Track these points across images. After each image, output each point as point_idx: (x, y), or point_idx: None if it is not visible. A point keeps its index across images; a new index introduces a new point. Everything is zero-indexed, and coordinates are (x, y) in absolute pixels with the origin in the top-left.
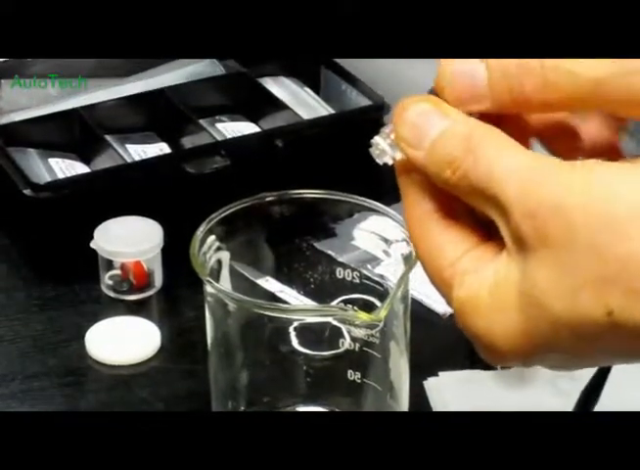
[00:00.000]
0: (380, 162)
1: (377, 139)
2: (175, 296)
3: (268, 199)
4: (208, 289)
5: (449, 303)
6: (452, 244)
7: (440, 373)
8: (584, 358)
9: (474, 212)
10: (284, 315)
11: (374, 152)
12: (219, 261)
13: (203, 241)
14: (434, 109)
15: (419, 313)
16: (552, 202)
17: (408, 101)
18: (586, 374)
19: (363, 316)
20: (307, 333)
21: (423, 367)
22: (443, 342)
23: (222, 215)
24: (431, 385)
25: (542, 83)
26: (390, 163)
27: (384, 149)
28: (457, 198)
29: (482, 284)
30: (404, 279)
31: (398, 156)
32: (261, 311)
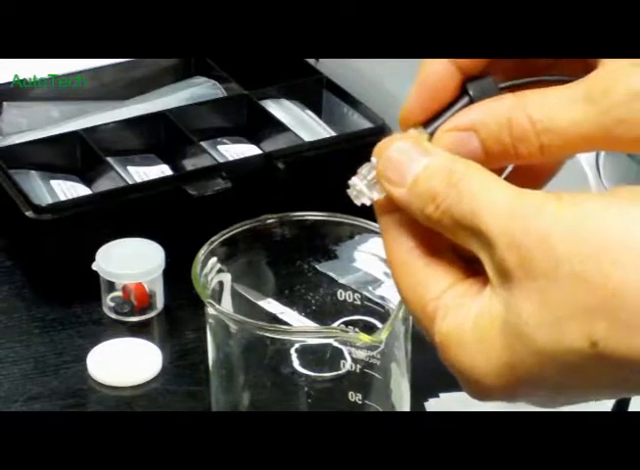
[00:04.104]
0: (357, 203)
1: (354, 180)
2: (177, 317)
3: (269, 221)
4: (210, 311)
5: (432, 337)
6: (435, 279)
7: (441, 394)
8: (570, 393)
9: (455, 250)
10: (285, 337)
11: (351, 193)
12: (221, 283)
13: (204, 263)
14: (414, 146)
15: (420, 335)
16: (538, 233)
17: (388, 139)
18: None
19: (364, 338)
20: (308, 354)
21: (424, 388)
22: (444, 363)
23: (223, 238)
24: (431, 406)
25: (538, 149)
26: (368, 203)
27: (361, 190)
28: (438, 235)
29: (466, 317)
30: None
31: (376, 196)
32: (263, 333)
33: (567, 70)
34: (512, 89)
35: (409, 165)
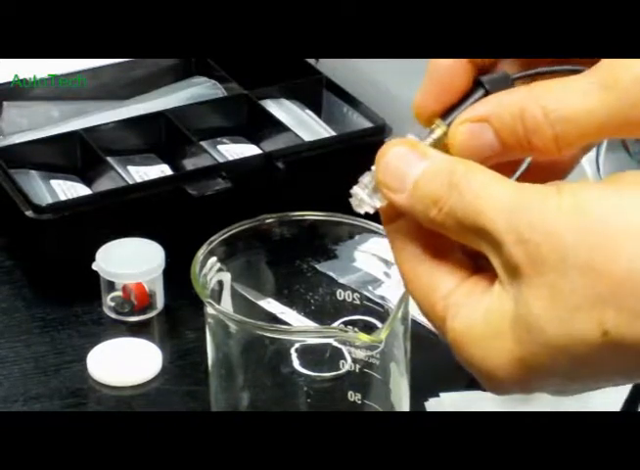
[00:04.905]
0: (361, 211)
1: (355, 189)
2: (177, 317)
3: (268, 221)
4: (209, 310)
5: (444, 335)
6: (442, 280)
7: (442, 394)
8: (583, 381)
9: (461, 248)
10: (285, 336)
11: (354, 202)
12: (220, 283)
13: (203, 263)
14: (411, 151)
15: (420, 335)
16: (543, 226)
17: (385, 146)
18: (592, 394)
19: (363, 337)
20: (308, 354)
21: (424, 388)
22: (444, 363)
23: (222, 237)
24: (432, 406)
25: (552, 139)
26: (372, 211)
27: (363, 199)
28: (443, 235)
29: (477, 314)
30: (404, 300)
31: (378, 204)
32: (262, 333)
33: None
34: (525, 79)
35: (408, 170)
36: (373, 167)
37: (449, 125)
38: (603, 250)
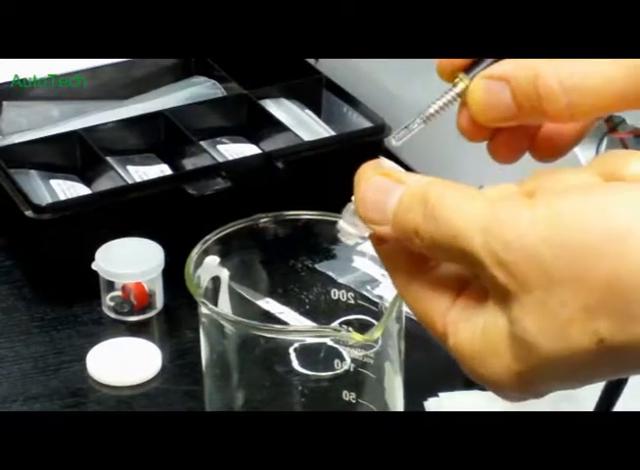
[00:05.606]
0: (351, 243)
1: (341, 223)
2: (176, 317)
3: (263, 220)
4: (203, 310)
5: (448, 351)
6: (437, 298)
7: (441, 394)
8: (582, 381)
9: None
10: (279, 336)
11: (342, 236)
12: (217, 283)
13: (197, 262)
14: (386, 180)
15: (418, 334)
16: (519, 244)
17: (359, 177)
18: (589, 397)
19: (357, 337)
20: (305, 354)
21: (423, 388)
22: (443, 362)
23: (217, 237)
24: (431, 406)
25: (565, 107)
26: (362, 241)
27: (350, 232)
28: None
29: (475, 331)
30: (398, 299)
31: (366, 233)
32: (256, 332)
33: None
34: None
35: (385, 201)
36: (354, 198)
37: (472, 80)
38: (582, 259)
